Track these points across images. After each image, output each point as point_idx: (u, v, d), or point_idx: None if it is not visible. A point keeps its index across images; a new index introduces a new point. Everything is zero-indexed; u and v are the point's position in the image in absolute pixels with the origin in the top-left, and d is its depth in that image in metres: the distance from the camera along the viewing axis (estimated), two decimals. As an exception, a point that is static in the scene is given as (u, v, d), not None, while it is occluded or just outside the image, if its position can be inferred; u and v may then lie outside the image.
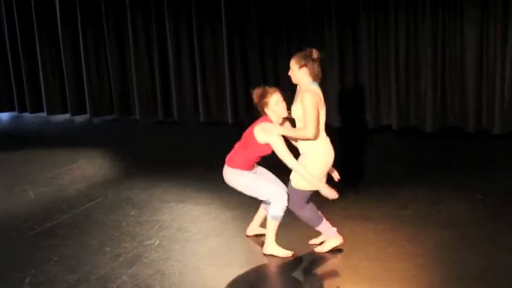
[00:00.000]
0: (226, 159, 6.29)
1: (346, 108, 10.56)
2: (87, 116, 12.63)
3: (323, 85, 10.28)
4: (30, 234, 6.79)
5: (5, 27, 13.17)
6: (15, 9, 12.95)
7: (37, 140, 11.46)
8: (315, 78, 5.73)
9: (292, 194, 5.85)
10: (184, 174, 8.56)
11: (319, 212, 5.94)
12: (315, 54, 5.71)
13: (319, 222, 5.90)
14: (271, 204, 5.91)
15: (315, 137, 5.64)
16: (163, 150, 10.14)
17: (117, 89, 12.42)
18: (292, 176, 5.86)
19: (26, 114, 13.29)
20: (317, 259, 5.88)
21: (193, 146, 10.20)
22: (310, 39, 10.57)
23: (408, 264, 5.63)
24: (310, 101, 5.56)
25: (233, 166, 6.14)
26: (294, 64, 5.73)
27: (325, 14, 10.53)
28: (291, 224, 6.15)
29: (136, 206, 7.42)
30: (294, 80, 5.82)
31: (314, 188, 5.76)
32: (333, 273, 5.69)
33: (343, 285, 5.43)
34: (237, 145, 6.29)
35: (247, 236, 6.41)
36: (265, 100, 5.85)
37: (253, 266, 5.77)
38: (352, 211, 6.91)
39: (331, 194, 5.76)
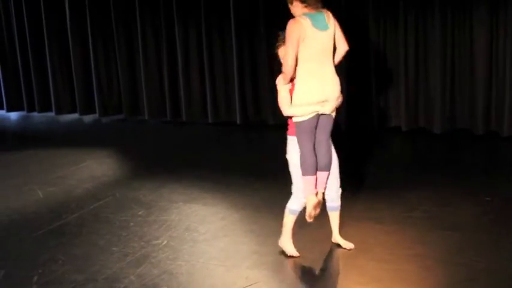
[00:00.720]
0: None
1: (354, 109, 10.54)
2: (96, 115, 12.67)
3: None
4: (38, 233, 6.81)
5: (15, 26, 13.22)
6: (24, 9, 13.00)
7: (46, 139, 11.49)
8: (310, 8, 5.43)
9: (295, 128, 5.71)
10: (192, 174, 8.57)
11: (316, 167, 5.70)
12: None
13: (310, 172, 5.66)
14: (292, 196, 5.89)
15: (287, 81, 5.50)
16: (171, 150, 10.16)
17: (125, 89, 12.46)
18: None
19: (35, 114, 13.34)
20: (324, 259, 5.87)
21: (202, 147, 10.21)
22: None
23: (415, 266, 5.61)
24: (289, 35, 5.36)
25: (290, 133, 5.96)
26: (288, 2, 5.51)
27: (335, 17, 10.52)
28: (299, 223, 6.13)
29: (144, 206, 7.43)
30: (293, 12, 5.56)
31: (309, 115, 5.52)
32: (340, 274, 5.68)
33: (350, 286, 5.42)
34: None
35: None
36: None
37: (261, 266, 5.76)
38: (360, 212, 6.89)
39: (313, 210, 5.63)
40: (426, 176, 8.12)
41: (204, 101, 11.78)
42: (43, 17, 12.86)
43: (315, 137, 5.68)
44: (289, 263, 5.82)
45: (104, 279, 5.64)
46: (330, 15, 5.56)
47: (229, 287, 5.43)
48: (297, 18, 5.37)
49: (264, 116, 11.28)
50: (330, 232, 6.08)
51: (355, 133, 10.43)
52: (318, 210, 5.68)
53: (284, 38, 5.50)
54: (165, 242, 6.37)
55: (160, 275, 5.64)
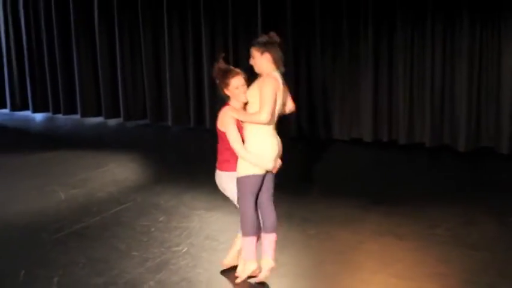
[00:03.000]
0: (217, 166, 5.86)
1: (379, 123, 10.50)
2: (120, 119, 12.72)
3: (357, 96, 10.32)
4: (59, 235, 6.83)
5: (43, 29, 13.33)
6: (53, 11, 13.11)
7: (70, 141, 11.55)
8: (277, 65, 5.41)
9: (237, 185, 5.53)
10: (214, 182, 8.51)
11: (259, 226, 5.58)
12: (277, 38, 5.43)
13: (251, 233, 5.53)
14: None
15: (268, 122, 5.37)
16: (194, 157, 10.19)
17: (151, 95, 12.51)
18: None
19: (60, 116, 13.41)
20: (344, 273, 5.83)
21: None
22: (344, 49, 10.60)
23: (436, 285, 5.55)
24: (270, 87, 5.27)
25: (226, 169, 5.68)
26: (255, 51, 5.41)
27: (361, 27, 10.49)
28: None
29: (166, 212, 7.44)
30: (257, 69, 5.46)
31: (260, 170, 5.46)
32: (360, 289, 5.64)
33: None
34: (218, 146, 5.76)
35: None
36: (227, 81, 5.46)
37: (278, 277, 5.73)
38: (382, 227, 6.85)
39: (276, 164, 5.62)
40: (449, 194, 8.05)
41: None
42: (71, 19, 12.95)
43: (257, 197, 5.61)
44: (306, 274, 5.78)
45: (123, 283, 5.64)
46: None
47: (247, 297, 5.41)
48: (273, 74, 5.37)
49: (287, 126, 11.26)
50: (348, 243, 6.05)
51: (378, 147, 10.38)
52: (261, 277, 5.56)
53: (265, 45, 5.42)
54: (185, 249, 6.36)
55: (179, 282, 5.63)
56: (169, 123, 12.30)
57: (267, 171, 5.56)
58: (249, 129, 5.46)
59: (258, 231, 5.56)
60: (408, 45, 10.26)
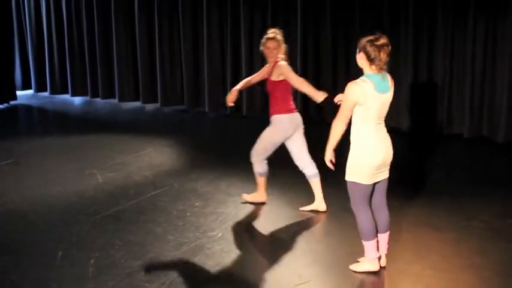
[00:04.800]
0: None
1: (418, 113, 10.42)
2: (158, 105, 12.79)
3: (397, 86, 10.24)
4: (96, 217, 6.91)
5: (84, 16, 13.46)
6: (94, 2, 13.22)
7: (107, 125, 11.66)
8: (376, 68, 5.24)
9: (348, 188, 5.52)
10: (250, 169, 8.50)
11: (375, 228, 5.53)
12: (381, 40, 5.24)
13: (369, 237, 5.48)
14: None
15: (338, 131, 5.39)
16: (230, 144, 10.21)
17: (188, 81, 12.56)
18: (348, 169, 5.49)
19: (98, 100, 13.54)
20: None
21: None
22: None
23: (472, 277, 5.50)
24: (348, 94, 5.18)
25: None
26: (358, 46, 5.33)
27: (401, 20, 10.41)
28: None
29: (201, 197, 7.47)
30: (358, 64, 5.37)
31: (366, 180, 5.37)
32: (394, 279, 5.60)
33: (404, 292, 5.36)
34: None
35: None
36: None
37: (314, 265, 5.73)
38: (418, 218, 6.80)
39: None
40: (486, 186, 7.96)
41: (265, 97, 11.77)
42: (112, 5, 13.05)
43: (371, 199, 5.57)
44: (340, 264, 5.77)
45: (158, 266, 5.69)
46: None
47: (281, 283, 5.41)
48: (359, 82, 5.20)
49: (325, 114, 11.23)
50: (401, 244, 6.01)
51: (416, 137, 10.31)
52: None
53: (364, 43, 5.27)
54: (221, 234, 6.39)
55: (214, 267, 5.66)
56: (206, 109, 12.34)
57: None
58: (354, 126, 5.41)
59: (374, 232, 5.51)
60: (449, 36, 10.15)
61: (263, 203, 7.28)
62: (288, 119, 6.97)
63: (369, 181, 5.39)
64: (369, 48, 5.23)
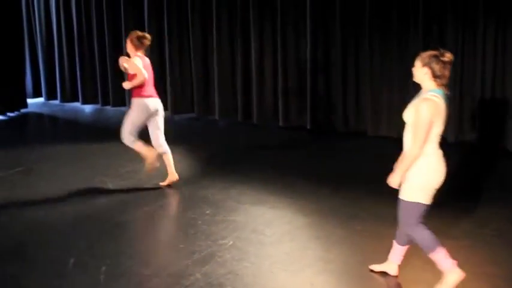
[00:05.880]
0: (155, 94, 8.10)
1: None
2: (168, 112, 12.81)
3: (406, 93, 10.23)
4: (107, 225, 6.91)
5: (94, 24, 13.52)
6: (104, 7, 13.28)
7: (118, 133, 11.64)
8: (439, 83, 5.03)
9: (402, 209, 5.27)
10: (261, 177, 8.58)
11: (435, 237, 5.36)
12: (447, 56, 4.99)
13: (435, 247, 5.30)
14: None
15: (417, 157, 5.07)
16: (241, 152, 10.21)
17: (198, 89, 12.57)
18: (402, 187, 5.23)
19: (108, 108, 13.57)
20: (387, 272, 5.79)
21: (271, 150, 10.22)
22: (393, 45, 10.52)
23: (485, 285, 5.47)
24: (425, 114, 4.92)
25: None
26: (418, 61, 5.10)
27: (411, 20, 10.39)
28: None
29: (212, 205, 7.47)
30: (415, 78, 5.18)
31: (427, 199, 5.18)
32: (403, 287, 5.58)
33: (416, 301, 5.33)
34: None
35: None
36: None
37: (326, 273, 5.71)
38: (429, 225, 6.75)
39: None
40: (497, 193, 7.94)
41: (276, 105, 11.80)
42: (122, 14, 13.10)
43: None
44: (352, 272, 5.75)
45: (169, 275, 5.68)
46: None
47: (293, 292, 5.40)
48: (432, 98, 4.96)
49: (335, 123, 11.23)
50: (411, 252, 5.98)
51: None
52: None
53: (429, 58, 5.03)
54: (232, 242, 6.38)
55: (225, 275, 5.65)
56: (217, 117, 12.35)
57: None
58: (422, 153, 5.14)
59: (438, 241, 5.32)
60: (459, 41, 10.12)
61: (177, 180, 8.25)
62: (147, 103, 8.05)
63: (429, 201, 5.20)
64: (435, 65, 4.99)
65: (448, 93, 5.16)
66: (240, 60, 12.05)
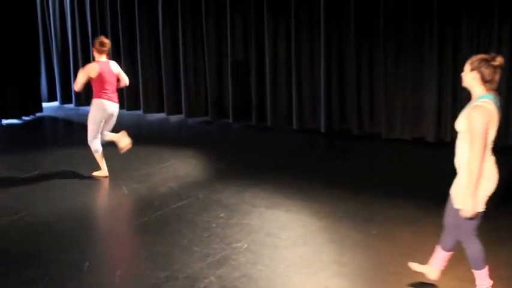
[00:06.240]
0: (114, 99, 8.79)
1: (442, 123, 10.36)
2: (182, 116, 12.84)
3: (421, 96, 10.19)
4: (122, 228, 6.94)
5: (109, 29, 13.58)
6: (119, 12, 13.33)
7: (133, 137, 11.68)
8: (488, 88, 4.83)
9: (461, 217, 5.07)
10: (275, 180, 8.58)
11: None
12: (497, 60, 4.79)
13: (482, 265, 5.19)
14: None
15: (480, 169, 4.84)
16: (255, 155, 10.22)
17: (212, 92, 12.60)
18: (459, 197, 5.09)
19: (123, 111, 13.60)
20: (407, 274, 5.77)
21: (285, 153, 10.22)
22: (408, 48, 10.50)
23: (500, 288, 5.46)
24: (479, 123, 4.69)
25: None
26: (467, 65, 4.93)
27: (425, 27, 10.37)
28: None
29: (227, 209, 7.48)
30: (464, 83, 5.00)
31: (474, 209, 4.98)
32: (421, 291, 5.58)
33: (431, 304, 5.31)
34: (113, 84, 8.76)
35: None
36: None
37: (340, 276, 5.71)
38: (442, 228, 6.74)
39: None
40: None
41: (290, 108, 11.80)
42: (136, 19, 13.15)
43: None
44: (367, 275, 5.75)
45: (184, 277, 5.70)
46: None
47: (308, 295, 5.40)
48: (484, 105, 4.75)
49: (349, 125, 11.22)
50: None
51: (441, 146, 10.25)
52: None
53: (478, 62, 4.84)
54: (246, 245, 6.39)
55: (240, 278, 5.66)
56: (231, 120, 12.36)
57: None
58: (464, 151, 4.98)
59: (485, 259, 5.24)
60: (474, 44, 10.09)
61: (106, 177, 8.84)
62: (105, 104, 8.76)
63: (483, 208, 5.09)
64: (485, 70, 4.79)
65: (499, 97, 4.95)
66: (254, 64, 12.06)
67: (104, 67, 8.72)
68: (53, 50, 14.86)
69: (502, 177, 8.71)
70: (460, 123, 4.95)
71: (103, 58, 8.82)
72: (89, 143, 8.88)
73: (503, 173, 9.09)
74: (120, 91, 13.73)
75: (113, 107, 8.81)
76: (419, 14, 10.41)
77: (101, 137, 8.98)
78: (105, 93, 8.72)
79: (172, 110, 13.18)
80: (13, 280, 5.76)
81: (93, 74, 8.63)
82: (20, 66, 13.22)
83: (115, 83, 8.88)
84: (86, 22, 14.07)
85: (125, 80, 9.07)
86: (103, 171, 8.94)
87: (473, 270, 5.25)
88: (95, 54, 8.80)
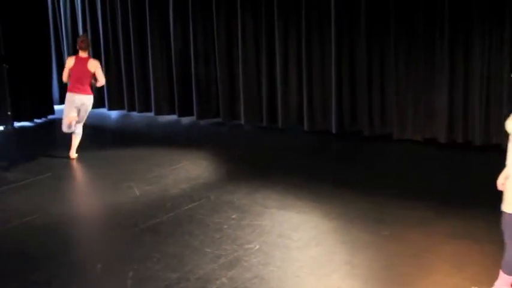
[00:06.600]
0: (81, 90, 9.70)
1: (453, 123, 10.32)
2: (194, 118, 12.86)
3: (432, 96, 10.14)
4: (134, 230, 6.97)
5: (120, 32, 13.60)
6: (130, 14, 13.36)
7: (144, 139, 11.74)
8: None
9: (509, 222, 5.08)
10: (286, 181, 8.59)
11: None
12: None
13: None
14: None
15: None
16: (266, 156, 10.22)
17: (224, 94, 12.60)
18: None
19: (134, 113, 13.65)
20: (418, 275, 5.77)
21: (296, 154, 10.22)
22: (419, 47, 10.47)
23: (513, 289, 5.44)
24: None
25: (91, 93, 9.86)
26: None
27: (436, 27, 10.34)
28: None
29: (238, 210, 7.49)
30: None
31: None
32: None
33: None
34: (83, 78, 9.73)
35: None
36: None
37: (352, 278, 5.72)
38: (456, 230, 6.75)
39: None
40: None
41: (301, 109, 11.79)
42: (147, 21, 13.18)
43: None
44: (378, 276, 5.75)
45: (196, 279, 5.72)
46: None
47: (319, 296, 5.41)
48: None
49: (360, 126, 11.20)
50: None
51: (453, 147, 10.22)
52: None
53: None
54: (258, 246, 6.40)
55: (251, 279, 5.67)
56: (242, 121, 12.38)
57: None
58: None
59: None
60: (486, 44, 10.05)
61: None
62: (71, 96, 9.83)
63: None
64: None
65: None
66: (265, 65, 12.05)
67: (78, 62, 9.79)
68: (64, 53, 14.90)
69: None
70: (511, 125, 4.98)
71: (83, 54, 9.85)
72: (63, 130, 9.99)
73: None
74: (131, 93, 13.87)
75: (80, 100, 9.75)
76: (431, 14, 10.37)
77: (75, 125, 9.93)
78: (74, 85, 9.76)
79: (183, 111, 13.20)
80: (25, 282, 5.80)
81: (68, 66, 9.90)
82: (31, 68, 13.28)
83: (87, 78, 9.78)
84: (97, 24, 14.09)
85: (101, 80, 9.92)
86: (72, 153, 10.05)
87: (501, 271, 5.18)
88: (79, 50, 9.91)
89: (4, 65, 12.77)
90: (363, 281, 5.69)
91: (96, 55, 14.15)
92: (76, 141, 10.03)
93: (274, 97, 12.02)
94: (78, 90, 9.72)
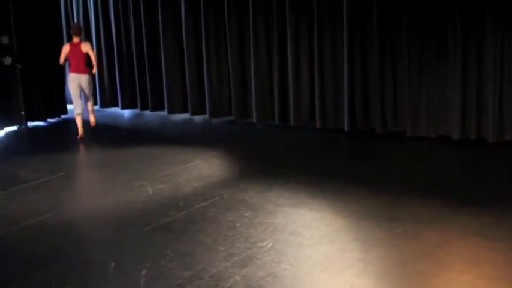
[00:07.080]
0: (79, 70, 11.47)
1: (467, 120, 10.28)
2: (206, 116, 12.89)
3: (445, 93, 10.13)
4: (147, 228, 6.99)
5: (132, 31, 13.65)
6: (142, 14, 13.41)
7: (157, 137, 11.78)
8: None
9: None
10: (299, 179, 8.59)
11: None
12: None
13: None
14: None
15: None
16: (278, 154, 10.23)
17: (236, 92, 12.61)
18: None
19: (147, 112, 13.69)
20: (430, 274, 5.76)
21: (309, 152, 10.22)
22: (432, 45, 10.43)
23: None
24: None
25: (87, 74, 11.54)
26: None
27: (448, 23, 10.30)
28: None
29: (251, 208, 7.50)
30: None
31: None
32: (447, 289, 5.56)
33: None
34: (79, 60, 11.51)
35: None
36: None
37: (366, 275, 5.71)
38: (469, 227, 6.72)
39: None
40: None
41: (313, 107, 11.78)
42: (160, 20, 13.22)
43: None
44: (391, 273, 5.74)
45: (209, 277, 5.73)
46: None
47: (332, 294, 5.41)
48: None
49: (373, 124, 11.18)
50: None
51: (466, 144, 10.17)
52: None
53: None
54: (271, 244, 6.40)
55: (265, 277, 5.68)
56: (254, 120, 12.38)
57: None
58: None
59: None
60: (498, 42, 10.00)
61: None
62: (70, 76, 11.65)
63: None
64: None
65: None
66: (276, 63, 12.05)
67: (72, 47, 11.55)
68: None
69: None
70: None
71: (76, 39, 11.61)
72: (76, 112, 11.68)
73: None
74: (143, 92, 13.92)
75: (78, 78, 11.50)
76: (443, 12, 10.33)
77: (85, 106, 11.99)
78: (72, 66, 11.60)
79: (196, 110, 13.22)
80: (39, 281, 5.83)
81: (64, 52, 11.60)
82: (44, 69, 13.35)
83: (82, 58, 11.50)
84: (110, 23, 14.14)
85: (94, 61, 11.60)
86: (79, 132, 11.61)
87: None
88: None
89: (17, 65, 12.87)
90: (376, 278, 5.69)
91: (109, 55, 14.25)
92: (91, 107, 12.03)
93: (286, 95, 12.02)
94: (76, 70, 11.48)
